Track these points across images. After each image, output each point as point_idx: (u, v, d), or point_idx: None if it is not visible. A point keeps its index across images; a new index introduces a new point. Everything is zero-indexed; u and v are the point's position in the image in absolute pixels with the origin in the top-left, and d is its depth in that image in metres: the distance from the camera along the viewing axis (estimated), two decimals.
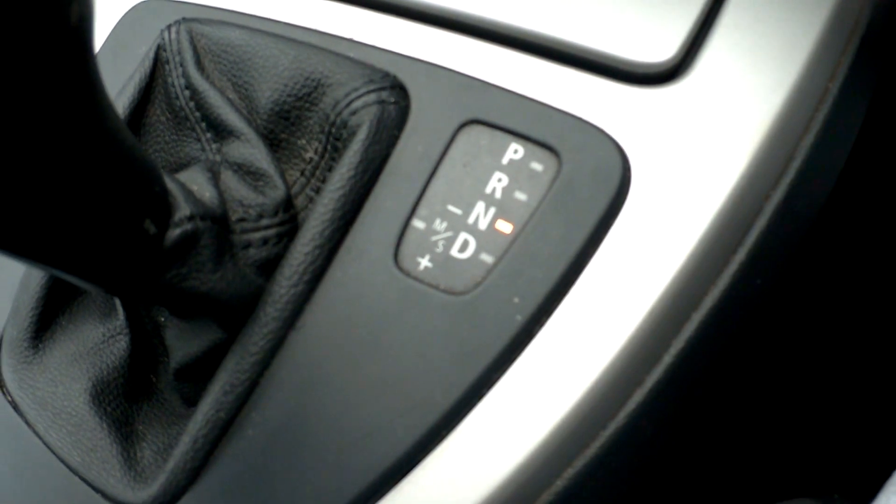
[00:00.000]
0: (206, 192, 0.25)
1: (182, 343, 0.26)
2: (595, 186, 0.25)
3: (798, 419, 0.33)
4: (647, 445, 0.25)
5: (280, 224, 0.26)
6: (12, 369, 0.28)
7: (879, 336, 0.33)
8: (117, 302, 0.27)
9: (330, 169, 0.26)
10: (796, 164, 0.24)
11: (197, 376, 0.26)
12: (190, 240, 0.23)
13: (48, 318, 0.29)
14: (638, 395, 0.24)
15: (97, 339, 0.28)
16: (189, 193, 0.25)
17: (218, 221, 0.24)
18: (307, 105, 0.27)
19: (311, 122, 0.27)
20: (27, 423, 0.28)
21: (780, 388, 0.33)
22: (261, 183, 0.27)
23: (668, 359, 0.25)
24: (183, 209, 0.24)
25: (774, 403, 0.33)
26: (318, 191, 0.27)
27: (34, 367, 0.28)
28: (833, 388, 0.35)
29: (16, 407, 0.28)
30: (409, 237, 0.25)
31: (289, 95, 0.27)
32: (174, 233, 0.24)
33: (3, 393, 0.28)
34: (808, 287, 0.31)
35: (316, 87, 0.27)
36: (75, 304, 0.29)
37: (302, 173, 0.27)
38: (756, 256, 0.25)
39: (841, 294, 0.34)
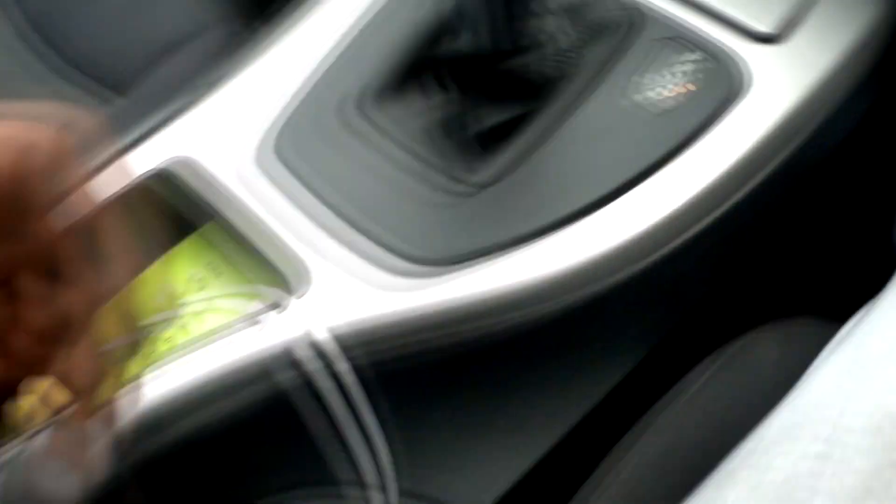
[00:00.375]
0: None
1: (490, 114, 0.47)
2: (728, 84, 0.48)
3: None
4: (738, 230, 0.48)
5: (567, 61, 0.49)
6: (368, 112, 0.49)
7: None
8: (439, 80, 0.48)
9: (591, 43, 0.49)
10: (839, 96, 0.48)
11: (495, 140, 0.48)
12: (540, 43, 0.45)
13: (395, 86, 0.50)
14: (736, 196, 0.47)
15: (429, 104, 0.49)
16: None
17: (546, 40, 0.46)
18: (582, 11, 0.50)
19: (585, 20, 0.50)
20: (376, 141, 0.48)
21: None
22: (560, 40, 0.49)
23: (753, 182, 0.47)
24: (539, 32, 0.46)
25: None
26: (583, 53, 0.49)
27: (384, 113, 0.49)
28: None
29: (368, 134, 0.49)
30: (637, 84, 0.48)
31: (572, 3, 0.50)
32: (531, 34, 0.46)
33: (359, 125, 0.49)
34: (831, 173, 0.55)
35: (588, 2, 0.50)
36: (413, 82, 0.50)
37: (573, 45, 0.50)
38: (810, 142, 0.48)
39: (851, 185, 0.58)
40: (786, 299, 0.54)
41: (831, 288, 0.46)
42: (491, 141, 0.48)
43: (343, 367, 0.43)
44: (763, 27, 0.50)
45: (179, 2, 0.67)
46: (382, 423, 0.45)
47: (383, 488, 0.48)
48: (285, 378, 0.44)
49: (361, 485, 0.49)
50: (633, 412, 0.48)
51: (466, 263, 0.45)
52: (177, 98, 0.51)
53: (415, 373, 0.47)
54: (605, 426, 0.49)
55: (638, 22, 0.50)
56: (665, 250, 0.46)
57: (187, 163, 0.50)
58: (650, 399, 0.48)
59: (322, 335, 0.43)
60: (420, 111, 0.49)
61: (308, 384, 0.45)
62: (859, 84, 0.50)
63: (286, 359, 0.44)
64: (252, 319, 0.44)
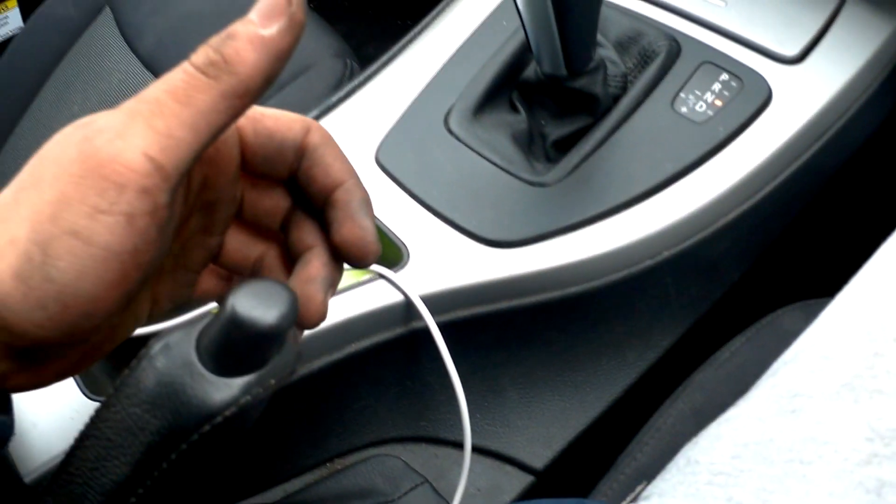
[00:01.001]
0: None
1: (559, 126, 0.60)
2: (756, 99, 0.61)
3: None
4: (767, 219, 0.60)
5: (621, 84, 0.62)
6: (461, 123, 0.62)
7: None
8: (518, 99, 0.62)
9: (640, 69, 0.62)
10: (851, 111, 0.60)
11: (563, 147, 0.60)
12: (597, 68, 0.58)
13: (481, 104, 0.63)
14: (764, 191, 0.59)
15: (510, 118, 0.62)
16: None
17: (603, 67, 0.59)
18: (631, 42, 0.63)
19: (633, 49, 0.63)
20: (467, 146, 0.61)
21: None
22: (613, 66, 0.62)
23: (779, 180, 0.59)
24: (596, 59, 0.59)
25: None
26: (633, 77, 0.62)
27: (472, 125, 0.62)
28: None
29: (461, 140, 0.62)
30: (678, 99, 0.60)
31: (622, 36, 0.63)
32: (592, 64, 0.59)
33: (454, 134, 0.62)
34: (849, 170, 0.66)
35: (636, 35, 0.63)
36: (497, 100, 0.63)
37: (628, 69, 0.62)
38: (828, 147, 0.60)
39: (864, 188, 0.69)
40: (812, 283, 0.64)
41: (852, 273, 0.56)
42: (558, 148, 0.62)
43: (436, 328, 0.55)
44: (785, 51, 0.62)
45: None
46: (464, 382, 0.57)
47: (459, 444, 0.59)
48: (384, 336, 0.57)
49: (432, 440, 0.61)
50: (678, 378, 0.59)
51: (537, 244, 0.57)
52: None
53: (489, 339, 0.59)
54: (652, 391, 0.61)
55: (678, 49, 0.63)
56: (701, 235, 0.58)
57: None
58: (692, 367, 0.59)
59: (416, 300, 0.56)
60: (502, 125, 0.63)
61: (395, 344, 0.58)
62: (873, 97, 0.62)
63: (387, 319, 0.57)
64: (362, 287, 0.58)
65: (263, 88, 0.31)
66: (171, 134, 0.29)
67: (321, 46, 0.82)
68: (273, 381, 0.34)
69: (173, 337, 0.33)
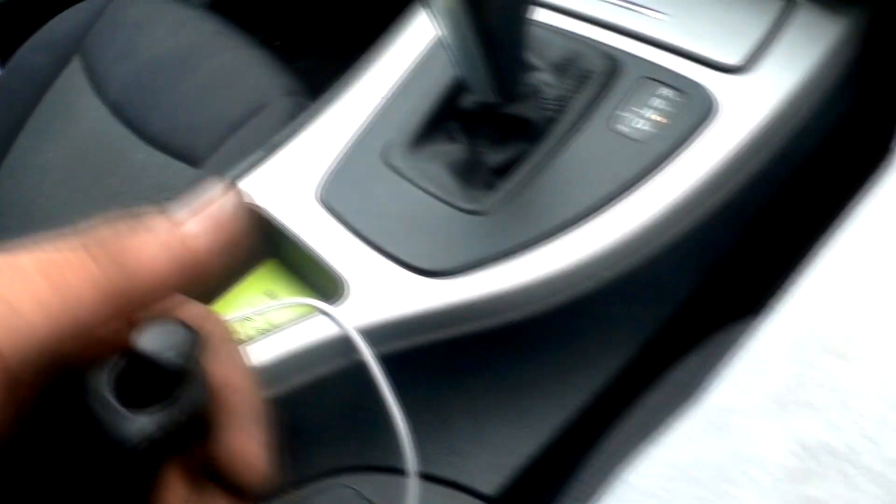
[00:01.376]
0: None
1: (497, 153, 0.62)
2: (698, 111, 0.62)
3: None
4: (715, 234, 0.61)
5: (557, 106, 0.63)
6: (400, 156, 0.64)
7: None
8: (457, 129, 0.64)
9: (578, 90, 0.63)
10: (800, 119, 0.61)
11: (503, 172, 0.62)
12: (530, 93, 0.60)
13: (420, 135, 0.65)
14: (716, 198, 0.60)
15: (449, 148, 0.64)
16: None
17: (538, 91, 0.61)
18: (569, 63, 0.64)
19: (571, 71, 0.64)
20: (406, 179, 0.63)
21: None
22: (549, 88, 0.63)
23: (724, 192, 0.60)
24: (529, 83, 0.61)
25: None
26: (570, 99, 0.63)
27: (411, 157, 0.64)
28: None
29: (400, 173, 0.64)
30: (616, 117, 0.62)
31: (560, 57, 0.65)
32: (526, 87, 0.60)
33: (393, 168, 0.64)
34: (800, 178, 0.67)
35: (573, 56, 0.65)
36: (436, 132, 0.65)
37: (566, 90, 0.64)
38: (777, 157, 0.61)
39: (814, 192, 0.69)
40: (767, 297, 0.66)
41: None
42: (497, 175, 0.63)
43: (372, 360, 0.56)
44: (729, 60, 0.63)
45: (245, 83, 0.85)
46: (406, 410, 0.58)
47: (405, 472, 0.60)
48: (328, 368, 0.58)
49: (386, 469, 0.62)
50: (630, 399, 0.60)
51: (475, 272, 0.59)
52: (244, 160, 0.67)
53: (435, 368, 0.60)
54: (603, 413, 0.61)
55: (617, 67, 0.65)
56: (645, 254, 0.59)
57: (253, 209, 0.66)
58: (644, 387, 0.60)
59: (355, 332, 0.57)
60: (441, 155, 0.65)
61: (344, 375, 0.59)
62: (823, 103, 0.63)
63: (329, 352, 0.58)
64: (303, 321, 0.59)
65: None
66: (21, 313, 0.26)
67: (273, 86, 0.85)
68: (183, 417, 0.36)
69: (90, 372, 0.35)
